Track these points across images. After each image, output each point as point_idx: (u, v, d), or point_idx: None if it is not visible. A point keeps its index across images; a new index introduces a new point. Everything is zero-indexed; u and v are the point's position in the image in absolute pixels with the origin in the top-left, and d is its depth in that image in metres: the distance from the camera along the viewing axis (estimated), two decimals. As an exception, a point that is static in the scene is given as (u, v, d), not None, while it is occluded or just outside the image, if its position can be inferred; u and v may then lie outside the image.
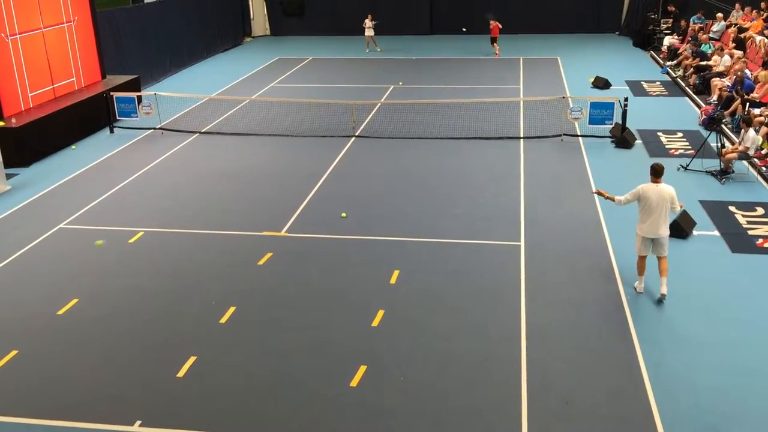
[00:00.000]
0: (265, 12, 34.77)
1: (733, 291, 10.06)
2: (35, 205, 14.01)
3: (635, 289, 9.99)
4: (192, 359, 8.73)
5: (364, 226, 12.50)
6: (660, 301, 9.66)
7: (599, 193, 10.46)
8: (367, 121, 18.96)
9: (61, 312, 9.92)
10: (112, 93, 18.91)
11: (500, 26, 28.11)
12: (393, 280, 10.55)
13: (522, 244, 11.62)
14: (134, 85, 20.74)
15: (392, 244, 11.80)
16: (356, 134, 17.84)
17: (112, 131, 18.81)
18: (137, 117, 18.90)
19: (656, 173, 9.71)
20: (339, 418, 7.65)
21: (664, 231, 9.66)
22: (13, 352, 8.97)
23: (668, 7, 28.72)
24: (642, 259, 9.88)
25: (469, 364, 8.51)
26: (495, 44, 28.20)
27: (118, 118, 19.01)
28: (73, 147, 17.72)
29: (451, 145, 16.89)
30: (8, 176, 15.26)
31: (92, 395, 8.15)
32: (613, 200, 10.12)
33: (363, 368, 8.45)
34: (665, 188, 9.64)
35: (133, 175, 15.42)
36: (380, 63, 27.47)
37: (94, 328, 9.50)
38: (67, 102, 18.33)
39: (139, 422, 7.66)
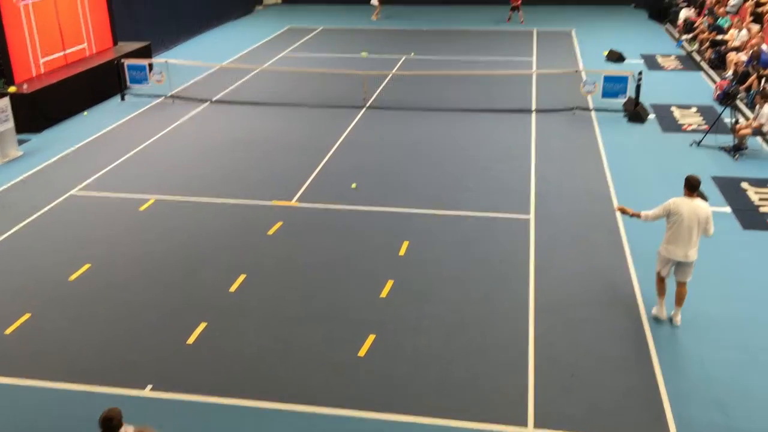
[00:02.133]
0: (277, -20, 34.49)
1: (743, 268, 10.04)
2: (47, 171, 14.07)
3: (654, 316, 8.75)
4: (202, 326, 8.82)
5: (375, 197, 12.51)
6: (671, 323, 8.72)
7: (622, 210, 8.96)
8: (378, 92, 18.86)
9: (72, 278, 10.01)
10: (123, 60, 18.86)
11: None
12: (402, 252, 10.58)
13: (532, 217, 11.61)
14: (145, 52, 20.67)
15: (402, 215, 11.81)
16: (367, 105, 17.77)
17: (123, 98, 18.80)
18: (148, 84, 18.87)
19: (692, 187, 8.30)
20: (347, 387, 7.73)
21: (693, 254, 8.32)
22: (26, 316, 9.08)
23: None
24: (662, 279, 8.67)
25: (477, 336, 8.56)
26: (518, 11, 28.22)
27: (129, 85, 18.99)
28: (85, 113, 17.73)
29: (462, 118, 16.80)
30: (20, 142, 15.31)
31: (104, 359, 8.26)
32: (638, 216, 8.69)
33: (371, 337, 8.52)
34: (701, 205, 8.26)
35: (144, 143, 15.44)
36: (392, 33, 27.24)
37: (106, 294, 9.60)
38: (79, 68, 18.29)
39: (150, 386, 7.77)
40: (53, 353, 8.39)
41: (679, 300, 8.63)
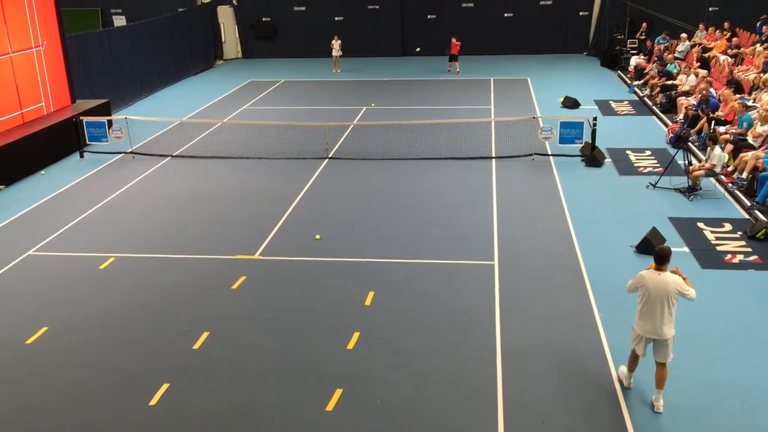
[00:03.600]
0: (237, 35, 34.84)
1: (703, 307, 10.17)
2: (3, 231, 13.77)
3: (621, 383, 8.31)
4: (165, 386, 8.60)
5: (339, 247, 12.48)
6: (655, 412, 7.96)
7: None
8: (340, 142, 19.00)
9: (29, 341, 9.72)
10: (81, 117, 18.74)
11: (459, 44, 28.89)
12: (368, 302, 10.52)
13: (496, 263, 11.67)
14: (104, 110, 20.58)
15: (367, 265, 11.78)
16: (329, 156, 17.86)
17: (82, 156, 18.62)
18: (107, 141, 18.74)
19: (660, 259, 7.79)
20: (315, 443, 7.58)
21: (668, 331, 7.78)
22: (-20, 383, 8.77)
23: (642, 24, 29.08)
24: (636, 356, 8.13)
25: (445, 385, 8.49)
26: (455, 62, 28.87)
27: (88, 142, 18.84)
28: (42, 172, 17.49)
29: (424, 166, 16.97)
30: (-25, 203, 15.02)
31: (63, 425, 7.98)
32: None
33: (339, 391, 8.39)
34: (670, 279, 7.73)
35: (103, 200, 15.25)
36: (352, 84, 27.60)
37: (64, 357, 9.33)
38: (36, 127, 18.12)
39: (110, 452, 7.52)
40: (10, 419, 8.08)
41: (660, 382, 7.95)
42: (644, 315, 7.84)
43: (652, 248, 11.64)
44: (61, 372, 9.01)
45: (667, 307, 7.74)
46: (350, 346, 9.37)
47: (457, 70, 28.81)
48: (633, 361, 8.22)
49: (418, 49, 29.95)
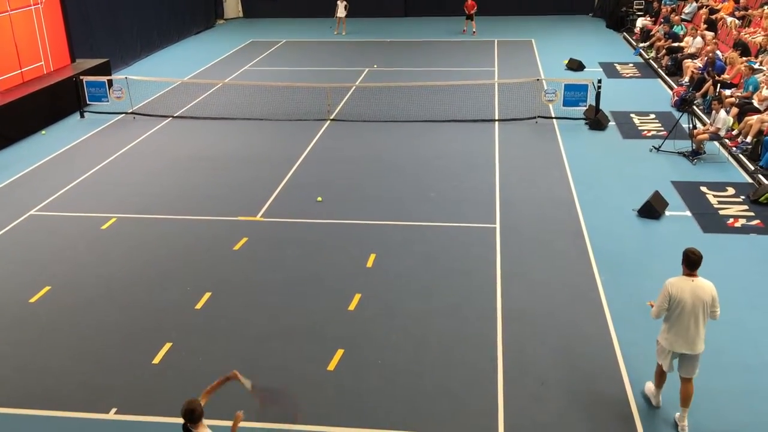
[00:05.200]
0: (238, -6, 34.38)
1: (704, 271, 10.11)
2: (4, 191, 13.76)
3: (650, 401, 7.50)
4: (167, 346, 8.67)
5: (340, 210, 12.47)
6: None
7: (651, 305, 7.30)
8: (342, 104, 18.86)
9: (32, 300, 9.78)
10: (81, 77, 18.58)
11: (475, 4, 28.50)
12: (369, 264, 10.55)
13: (497, 226, 11.67)
14: (104, 69, 20.39)
15: (368, 227, 11.78)
16: (331, 118, 17.74)
17: (82, 116, 18.51)
18: (108, 101, 18.61)
19: (692, 264, 6.98)
20: (317, 403, 7.66)
21: (701, 345, 6.96)
22: (-15, 341, 8.85)
23: None
24: (663, 372, 7.30)
25: (446, 347, 8.56)
26: (472, 21, 28.53)
27: (88, 102, 18.71)
28: (43, 132, 17.41)
29: (426, 128, 16.86)
30: (-24, 163, 14.98)
31: (66, 383, 8.07)
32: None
33: (340, 352, 8.46)
34: (704, 285, 6.96)
35: (104, 161, 15.21)
36: (355, 46, 27.29)
37: (67, 316, 9.40)
38: (36, 86, 17.97)
39: (114, 410, 7.61)
40: (13, 378, 8.17)
41: (685, 400, 7.14)
42: (675, 327, 6.94)
43: (655, 212, 11.73)
44: (64, 330, 9.08)
45: (702, 317, 6.91)
46: (351, 307, 9.42)
47: (474, 30, 28.50)
48: (660, 377, 7.37)
49: None
